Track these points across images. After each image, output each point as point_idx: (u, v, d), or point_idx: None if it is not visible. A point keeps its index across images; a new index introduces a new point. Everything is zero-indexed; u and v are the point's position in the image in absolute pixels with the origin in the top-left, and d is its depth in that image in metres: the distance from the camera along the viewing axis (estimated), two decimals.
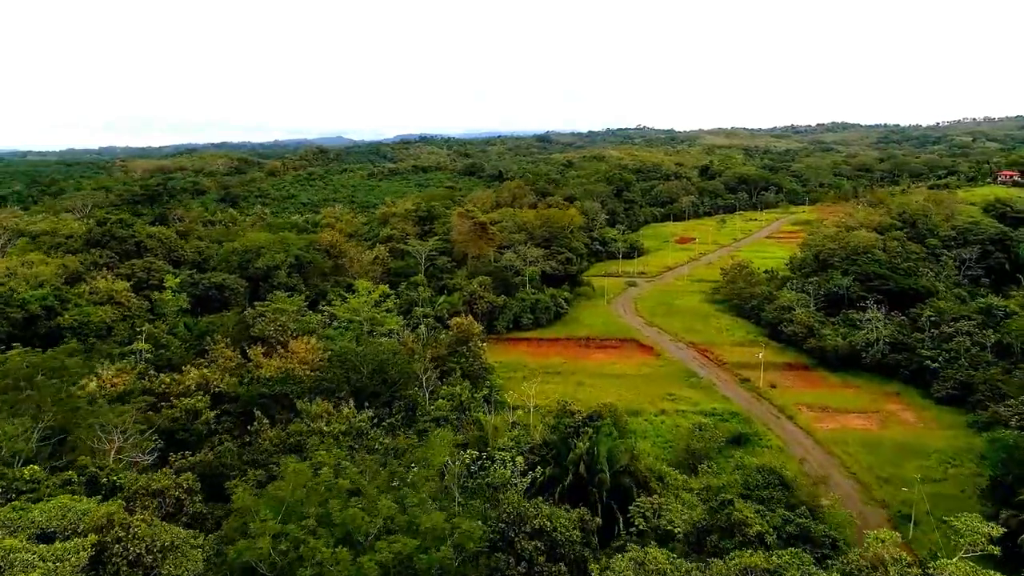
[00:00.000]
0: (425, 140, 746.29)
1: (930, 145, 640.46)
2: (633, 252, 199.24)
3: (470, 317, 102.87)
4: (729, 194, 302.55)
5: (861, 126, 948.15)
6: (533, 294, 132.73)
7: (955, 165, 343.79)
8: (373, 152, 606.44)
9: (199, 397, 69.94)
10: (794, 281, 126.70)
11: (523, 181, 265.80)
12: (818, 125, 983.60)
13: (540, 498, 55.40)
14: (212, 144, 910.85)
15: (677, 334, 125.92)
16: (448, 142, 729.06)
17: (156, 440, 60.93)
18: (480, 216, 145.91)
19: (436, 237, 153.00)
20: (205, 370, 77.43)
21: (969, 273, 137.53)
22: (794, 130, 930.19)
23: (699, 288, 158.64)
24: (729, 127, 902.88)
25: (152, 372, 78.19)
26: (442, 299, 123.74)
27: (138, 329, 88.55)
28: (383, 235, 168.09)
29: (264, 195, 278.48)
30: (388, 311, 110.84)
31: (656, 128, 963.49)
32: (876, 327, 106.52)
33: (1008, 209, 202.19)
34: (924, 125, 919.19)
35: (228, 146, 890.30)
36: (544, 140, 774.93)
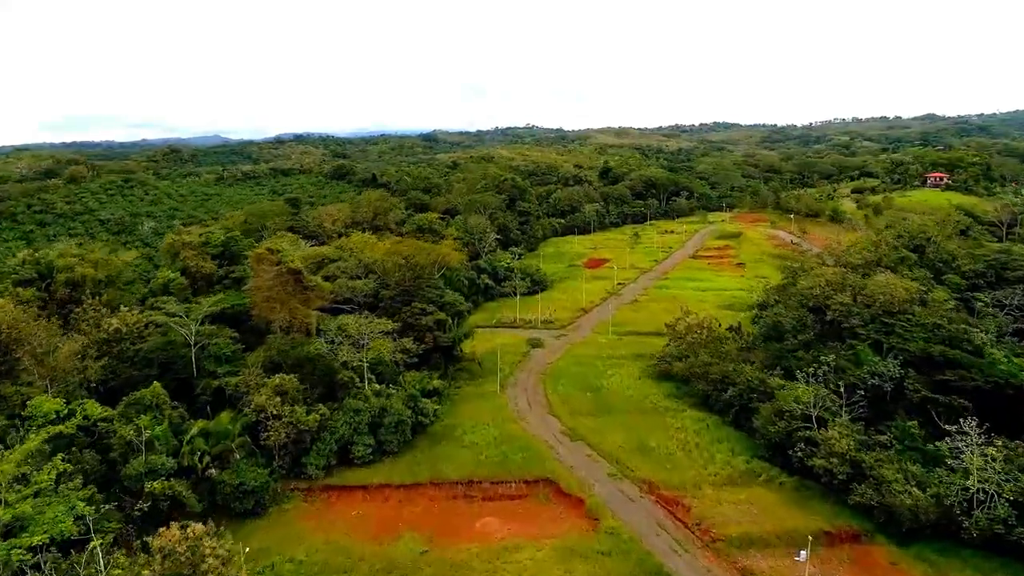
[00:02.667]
0: (301, 139, 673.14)
1: (812, 144, 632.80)
2: (535, 287, 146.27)
3: (199, 527, 45.46)
4: (637, 200, 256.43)
5: (742, 126, 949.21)
6: (377, 396, 76.25)
7: (866, 165, 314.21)
8: (237, 152, 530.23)
9: None
10: (797, 357, 76.68)
11: (388, 191, 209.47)
12: (702, 124, 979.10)
13: None
14: (64, 144, 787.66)
15: (620, 460, 72.97)
16: (326, 141, 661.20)
17: None
18: (292, 260, 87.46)
19: (220, 295, 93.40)
20: None
21: (1017, 327, 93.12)
22: (680, 129, 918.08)
23: (632, 349, 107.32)
24: (617, 126, 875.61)
25: None
26: (196, 429, 65.29)
27: None
28: (157, 283, 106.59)
29: (47, 210, 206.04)
30: (40, 492, 51.44)
31: (545, 127, 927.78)
32: (979, 464, 58.00)
33: (972, 220, 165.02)
34: (799, 125, 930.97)
35: (81, 145, 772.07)
36: (430, 139, 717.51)
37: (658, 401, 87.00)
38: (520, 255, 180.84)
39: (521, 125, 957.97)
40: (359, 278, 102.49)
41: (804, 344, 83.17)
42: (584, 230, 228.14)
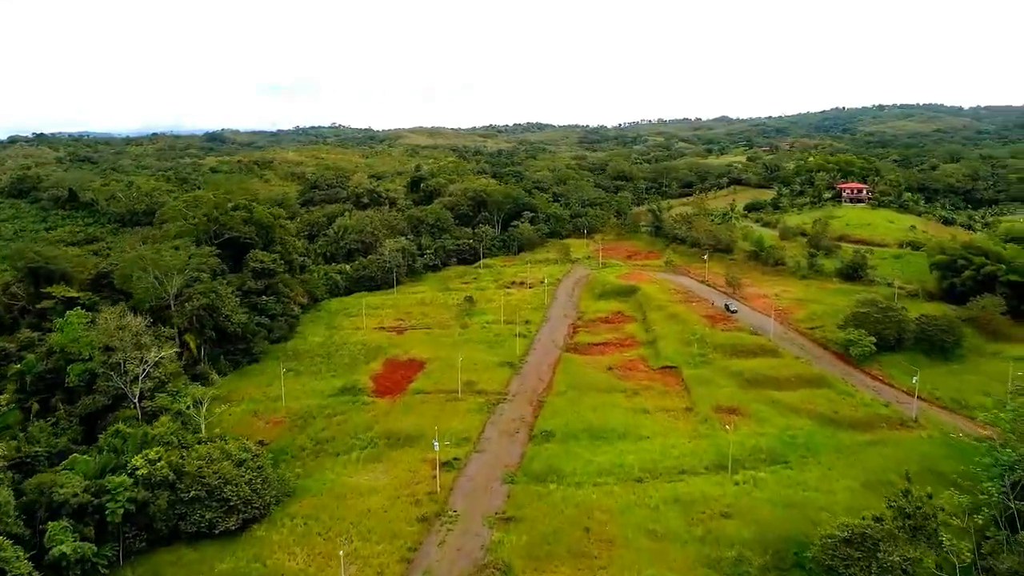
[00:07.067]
0: (43, 139, 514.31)
1: (631, 144, 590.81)
2: (240, 516, 53.97)
3: None
4: (463, 227, 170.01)
5: (556, 126, 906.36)
6: None
7: (733, 170, 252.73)
8: None
9: None
10: None
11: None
12: (516, 125, 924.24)
13: None
14: None
15: None
16: (77, 142, 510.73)
17: None
18: None
19: None
20: None
21: None
22: (496, 129, 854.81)
23: None
24: (430, 126, 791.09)
25: None
26: None
27: None
28: None
29: None
30: None
31: (353, 127, 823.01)
32: None
33: (968, 257, 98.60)
34: (611, 126, 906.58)
35: None
36: (216, 140, 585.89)
37: None
38: (241, 363, 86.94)
39: (326, 124, 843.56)
40: None
41: None
42: (383, 281, 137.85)
